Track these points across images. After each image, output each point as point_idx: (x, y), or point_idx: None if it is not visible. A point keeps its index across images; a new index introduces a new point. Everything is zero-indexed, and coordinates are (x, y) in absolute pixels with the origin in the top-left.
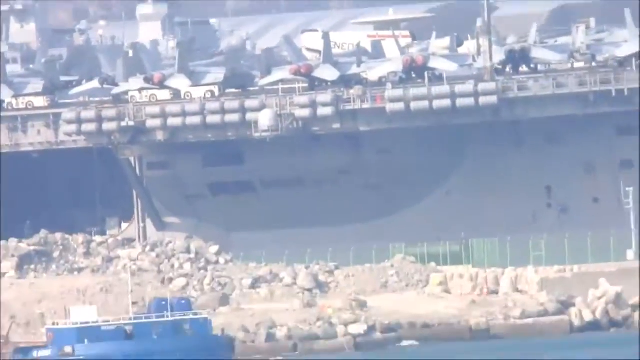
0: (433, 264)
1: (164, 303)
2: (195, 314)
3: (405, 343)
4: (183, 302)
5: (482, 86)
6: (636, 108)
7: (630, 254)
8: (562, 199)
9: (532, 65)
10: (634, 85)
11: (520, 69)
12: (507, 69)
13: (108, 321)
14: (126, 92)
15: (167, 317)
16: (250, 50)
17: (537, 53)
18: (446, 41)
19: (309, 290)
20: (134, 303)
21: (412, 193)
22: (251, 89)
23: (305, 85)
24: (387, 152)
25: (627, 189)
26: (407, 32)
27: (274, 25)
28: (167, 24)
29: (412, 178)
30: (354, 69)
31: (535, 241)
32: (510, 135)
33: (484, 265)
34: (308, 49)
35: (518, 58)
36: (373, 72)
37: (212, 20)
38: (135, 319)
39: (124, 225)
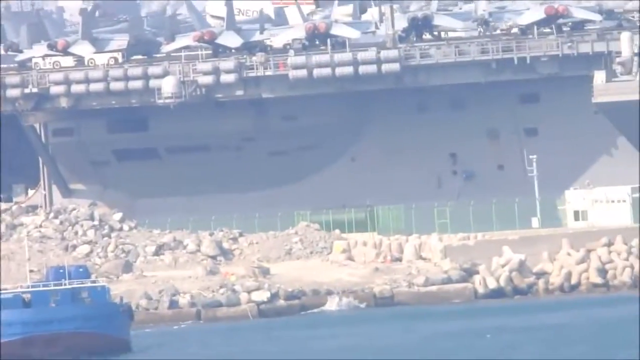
0: (337, 232)
1: (61, 271)
2: (94, 281)
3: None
4: (81, 269)
5: (384, 53)
6: (538, 76)
7: (535, 221)
8: (467, 166)
9: (436, 33)
10: (536, 53)
11: (424, 36)
12: (411, 37)
13: (6, 289)
14: (30, 59)
15: (65, 284)
16: (171, 15)
17: (440, 20)
18: (349, 8)
19: (213, 257)
20: (32, 271)
21: (317, 160)
22: (157, 55)
23: (209, 52)
24: (291, 118)
25: (530, 156)
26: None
27: None
28: None
29: (317, 145)
30: (257, 36)
31: (440, 208)
32: (414, 102)
33: (389, 233)
34: (212, 16)
35: (421, 25)
36: (276, 39)
37: None
38: (33, 286)
39: (31, 192)
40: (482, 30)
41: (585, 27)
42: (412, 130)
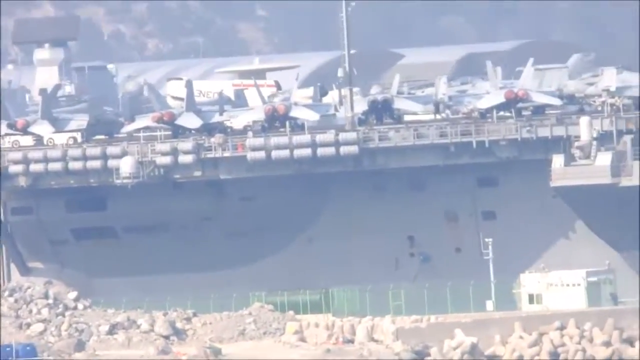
0: (291, 313)
1: (8, 349)
2: None
3: None
4: (28, 347)
5: (343, 136)
6: (497, 159)
7: (490, 304)
8: (424, 248)
9: (396, 116)
10: (494, 137)
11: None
12: (371, 119)
13: None
14: None
15: None
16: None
17: (400, 104)
18: (310, 91)
19: (166, 337)
20: None
21: (275, 240)
22: (117, 135)
23: (169, 133)
24: (249, 199)
25: (486, 239)
26: (272, 82)
27: (178, 71)
28: (63, 69)
29: (275, 225)
30: (216, 118)
31: (394, 291)
32: (373, 184)
33: (344, 314)
34: (173, 97)
35: (381, 108)
36: (236, 120)
37: (110, 66)
38: None
39: None
40: (444, 113)
41: (545, 112)
42: (369, 212)
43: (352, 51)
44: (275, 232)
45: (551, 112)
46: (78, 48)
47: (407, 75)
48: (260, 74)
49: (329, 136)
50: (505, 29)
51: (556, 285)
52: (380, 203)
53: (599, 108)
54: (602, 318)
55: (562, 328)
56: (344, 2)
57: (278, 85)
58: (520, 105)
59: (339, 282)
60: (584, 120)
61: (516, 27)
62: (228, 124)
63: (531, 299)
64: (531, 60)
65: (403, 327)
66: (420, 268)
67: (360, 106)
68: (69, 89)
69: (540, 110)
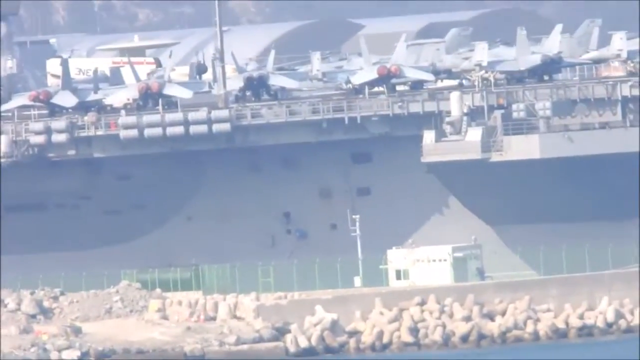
0: (158, 290)
1: None
2: None
3: None
4: None
5: (215, 113)
6: (369, 135)
7: (357, 280)
8: (300, 225)
9: (272, 92)
10: (366, 113)
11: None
12: (247, 96)
13: None
14: None
15: None
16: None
17: (275, 80)
18: (187, 68)
19: (33, 316)
20: None
21: (152, 218)
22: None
23: (45, 111)
24: (125, 178)
25: (354, 216)
26: (151, 59)
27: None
28: (4, 43)
29: (151, 204)
30: (92, 96)
31: (263, 267)
32: (248, 162)
33: (214, 292)
34: (52, 75)
35: (256, 85)
36: (110, 98)
37: (52, 40)
38: None
39: None
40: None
41: (423, 87)
42: (246, 190)
43: (310, 21)
44: (152, 210)
45: (429, 87)
46: (67, 19)
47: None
48: (139, 51)
49: (201, 114)
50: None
51: (422, 261)
52: (256, 181)
53: (476, 83)
54: (463, 293)
55: (422, 304)
56: None
57: (158, 63)
58: (395, 81)
59: (216, 260)
60: (454, 95)
61: None
62: (106, 102)
63: (398, 275)
64: (404, 35)
65: (264, 304)
66: (297, 245)
67: (237, 83)
68: (10, 64)
69: (418, 85)
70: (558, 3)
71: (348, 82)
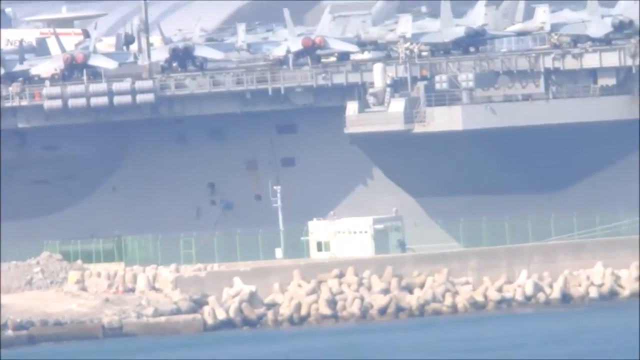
0: (79, 262)
1: None
2: None
3: None
4: None
5: (139, 84)
6: (293, 107)
7: (279, 252)
8: (225, 196)
9: (198, 63)
10: (290, 84)
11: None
12: (174, 67)
13: None
14: None
15: None
16: None
17: (201, 51)
18: (113, 39)
19: None
20: None
21: (79, 189)
22: None
23: None
24: (52, 148)
25: (275, 187)
26: (79, 30)
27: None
28: None
29: (78, 174)
30: (18, 67)
31: (186, 239)
32: (174, 133)
33: (136, 263)
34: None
35: (182, 56)
36: (35, 69)
37: (7, 9)
38: None
39: None
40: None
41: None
42: (171, 161)
43: None
44: (79, 181)
45: (355, 59)
46: None
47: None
48: (67, 22)
49: (125, 84)
50: None
51: (343, 233)
52: (181, 151)
53: (402, 54)
54: (382, 266)
55: (341, 276)
56: None
57: (86, 34)
58: (321, 52)
59: (140, 231)
60: (377, 67)
61: None
62: (33, 72)
63: (319, 246)
64: (329, 7)
65: (183, 276)
66: (221, 216)
67: (163, 54)
68: None
69: (344, 57)
70: None
71: (289, 51)
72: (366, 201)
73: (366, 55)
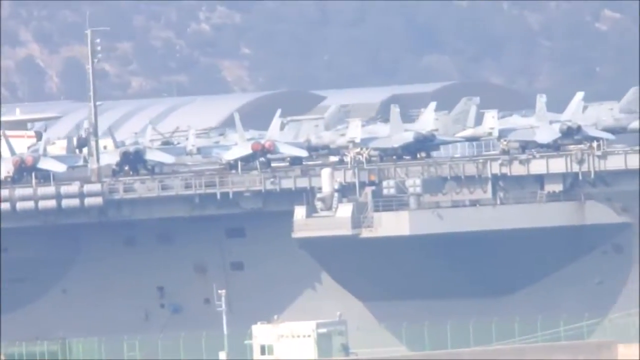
0: None
1: None
2: None
3: None
4: None
5: (87, 187)
6: (242, 211)
7: (223, 355)
8: (174, 299)
9: (150, 167)
10: (239, 188)
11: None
12: (125, 170)
13: None
14: None
15: None
16: None
17: (152, 155)
18: (64, 142)
19: None
20: None
21: (29, 291)
22: None
23: None
24: (4, 250)
25: (219, 291)
26: (32, 133)
27: None
28: None
29: (28, 277)
30: None
31: (129, 342)
32: (123, 235)
33: None
34: None
35: (133, 159)
36: None
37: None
38: None
39: None
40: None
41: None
42: (121, 263)
43: (272, 92)
44: (28, 283)
45: (309, 163)
46: (61, 85)
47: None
48: (21, 124)
49: (74, 187)
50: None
51: (287, 337)
52: (130, 254)
53: (355, 159)
54: None
55: None
56: (90, 54)
57: (39, 136)
58: (271, 156)
59: (89, 334)
60: (325, 172)
61: (500, 65)
62: None
63: (263, 350)
64: (279, 111)
65: None
66: (170, 319)
67: (114, 157)
68: None
69: (296, 161)
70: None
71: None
72: (314, 305)
73: (319, 160)
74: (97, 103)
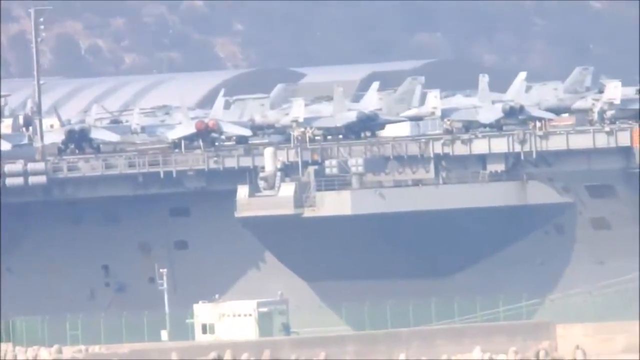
0: None
1: None
2: None
3: None
4: None
5: (31, 166)
6: (185, 190)
7: (164, 334)
8: (119, 278)
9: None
10: (182, 167)
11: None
12: (70, 148)
13: None
14: None
15: None
16: None
17: (97, 133)
18: (10, 121)
19: None
20: None
21: None
22: None
23: None
24: None
25: (160, 270)
26: None
27: None
28: None
29: None
30: None
31: (72, 320)
32: (68, 214)
33: (24, 344)
34: None
35: (78, 138)
36: None
37: None
38: None
39: None
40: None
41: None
42: (66, 242)
43: (251, 70)
44: None
45: (255, 142)
46: (54, 63)
47: (307, 95)
48: None
49: (17, 166)
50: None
51: (228, 316)
52: (76, 233)
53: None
54: (261, 349)
55: (218, 358)
56: (33, 31)
57: None
58: (215, 135)
59: (34, 312)
60: (268, 151)
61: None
62: None
63: (204, 329)
64: (222, 91)
65: (62, 357)
66: (115, 298)
67: (59, 135)
68: None
69: (243, 140)
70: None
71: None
72: (258, 284)
73: (264, 139)
74: (41, 82)
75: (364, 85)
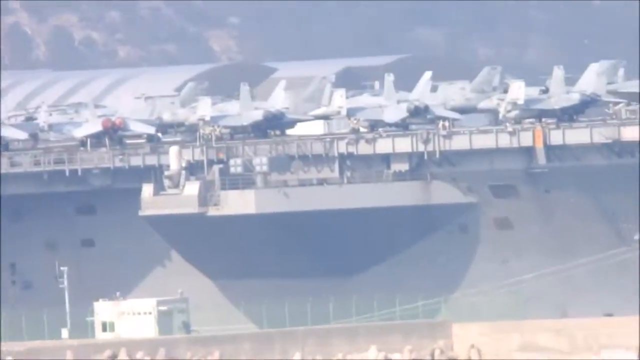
0: None
1: None
2: None
3: None
4: None
5: None
6: (91, 188)
7: (65, 332)
8: (26, 276)
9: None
10: (87, 165)
11: None
12: None
13: None
14: None
15: None
16: None
17: (5, 132)
18: None
19: None
20: None
21: None
22: None
23: None
24: None
25: (61, 268)
26: None
27: None
28: None
29: None
30: None
31: None
32: None
33: None
34: None
35: None
36: None
37: None
38: None
39: None
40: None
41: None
42: None
43: (223, 64)
44: None
45: (168, 140)
46: (47, 55)
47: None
48: None
49: None
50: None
51: (128, 314)
52: None
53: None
54: (156, 347)
55: (113, 357)
56: None
57: None
58: (122, 133)
59: None
60: (173, 149)
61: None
62: None
63: (104, 326)
64: (132, 89)
65: None
66: (21, 295)
67: None
68: None
69: (153, 138)
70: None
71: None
72: (163, 282)
73: (177, 137)
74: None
75: (338, 80)
